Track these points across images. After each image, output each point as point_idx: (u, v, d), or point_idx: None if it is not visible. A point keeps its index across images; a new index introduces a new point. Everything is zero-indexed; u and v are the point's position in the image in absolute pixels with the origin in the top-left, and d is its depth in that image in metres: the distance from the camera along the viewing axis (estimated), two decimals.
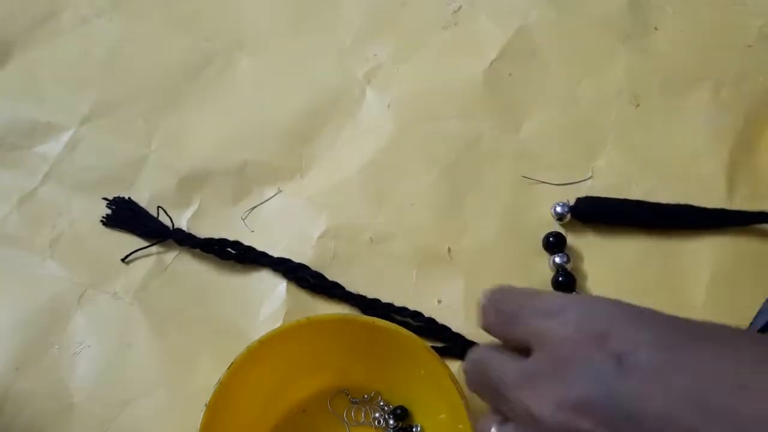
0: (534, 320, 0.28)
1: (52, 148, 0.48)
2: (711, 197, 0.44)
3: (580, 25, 0.50)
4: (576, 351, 0.26)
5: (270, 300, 0.43)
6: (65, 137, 0.48)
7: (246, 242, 0.44)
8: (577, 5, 0.50)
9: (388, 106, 0.48)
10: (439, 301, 0.42)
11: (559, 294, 0.33)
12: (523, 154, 0.46)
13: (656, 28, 0.50)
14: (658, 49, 0.49)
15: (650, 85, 0.47)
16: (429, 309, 0.42)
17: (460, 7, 0.51)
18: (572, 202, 0.44)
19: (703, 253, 0.43)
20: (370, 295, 0.42)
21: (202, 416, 0.34)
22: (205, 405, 0.35)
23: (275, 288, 0.43)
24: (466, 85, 0.49)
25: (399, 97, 0.49)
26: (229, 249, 0.44)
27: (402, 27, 0.51)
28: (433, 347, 0.37)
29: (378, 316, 0.38)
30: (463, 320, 0.42)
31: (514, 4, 0.51)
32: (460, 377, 0.39)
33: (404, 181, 0.46)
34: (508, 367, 0.29)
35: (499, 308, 0.30)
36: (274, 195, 0.46)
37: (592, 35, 0.49)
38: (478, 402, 0.39)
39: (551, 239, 0.43)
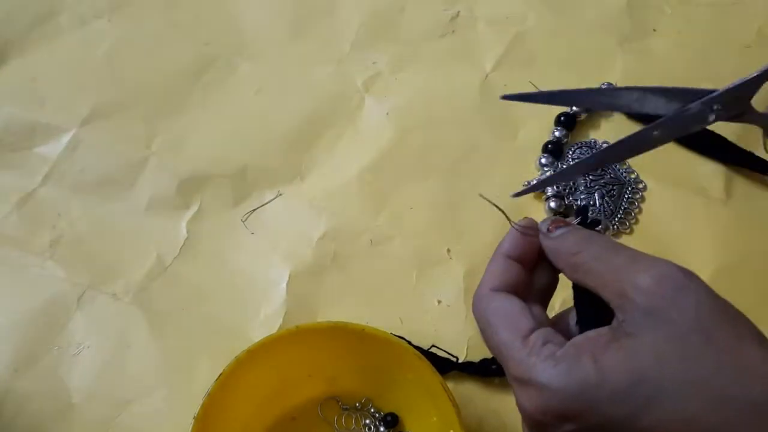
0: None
1: (53, 149, 0.48)
2: None
3: (578, 28, 0.51)
4: None
5: (270, 300, 0.43)
6: (65, 138, 0.48)
7: (245, 243, 0.45)
8: (575, 8, 0.51)
9: (387, 114, 0.49)
10: (439, 302, 0.43)
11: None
12: (519, 161, 0.47)
13: (654, 30, 0.50)
14: (656, 51, 0.49)
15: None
16: (429, 309, 0.43)
17: (458, 13, 0.52)
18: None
19: None
20: (370, 295, 0.43)
21: (191, 429, 0.34)
22: (194, 417, 0.34)
23: (275, 288, 0.43)
24: (464, 93, 0.49)
25: (398, 105, 0.49)
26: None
27: (400, 35, 0.52)
28: (424, 355, 0.37)
29: None
30: (463, 320, 0.42)
31: (512, 9, 0.51)
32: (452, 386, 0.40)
33: (403, 186, 0.47)
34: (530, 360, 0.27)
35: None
36: (274, 198, 0.46)
37: (589, 38, 0.50)
38: (469, 409, 0.40)
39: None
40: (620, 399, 0.24)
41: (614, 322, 0.26)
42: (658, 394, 0.24)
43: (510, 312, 0.29)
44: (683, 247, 0.44)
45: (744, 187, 0.46)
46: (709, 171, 0.46)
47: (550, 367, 0.26)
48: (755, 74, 0.30)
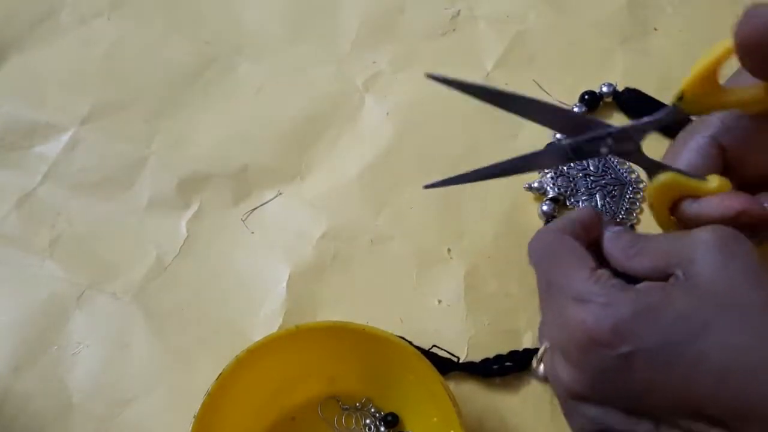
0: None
1: (52, 148, 0.48)
2: None
3: (579, 28, 0.51)
4: None
5: (270, 300, 0.43)
6: (65, 138, 0.48)
7: (245, 242, 0.45)
8: (575, 6, 0.51)
9: (387, 113, 0.49)
10: (440, 301, 0.43)
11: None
12: None
13: (655, 29, 0.50)
14: (656, 50, 0.49)
15: (649, 86, 0.48)
16: (429, 309, 0.43)
17: (459, 12, 0.52)
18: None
19: None
20: (370, 295, 0.43)
21: (191, 428, 0.34)
22: (194, 417, 0.34)
23: (275, 288, 0.43)
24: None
25: (398, 105, 0.49)
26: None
27: (401, 34, 0.52)
28: (425, 355, 0.37)
29: None
30: (463, 320, 0.42)
31: (513, 7, 0.51)
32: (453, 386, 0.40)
33: (403, 186, 0.46)
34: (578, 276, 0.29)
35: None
36: (274, 197, 0.46)
37: (590, 37, 0.50)
38: (469, 409, 0.40)
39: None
40: (681, 322, 0.26)
41: (671, 279, 0.28)
42: (715, 321, 0.26)
43: (579, 249, 0.31)
44: None
45: None
46: None
47: (619, 291, 0.28)
48: (646, 119, 0.32)
